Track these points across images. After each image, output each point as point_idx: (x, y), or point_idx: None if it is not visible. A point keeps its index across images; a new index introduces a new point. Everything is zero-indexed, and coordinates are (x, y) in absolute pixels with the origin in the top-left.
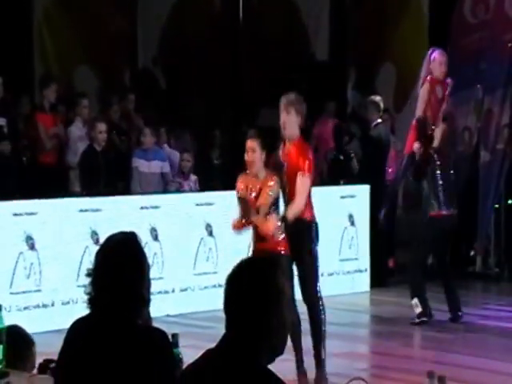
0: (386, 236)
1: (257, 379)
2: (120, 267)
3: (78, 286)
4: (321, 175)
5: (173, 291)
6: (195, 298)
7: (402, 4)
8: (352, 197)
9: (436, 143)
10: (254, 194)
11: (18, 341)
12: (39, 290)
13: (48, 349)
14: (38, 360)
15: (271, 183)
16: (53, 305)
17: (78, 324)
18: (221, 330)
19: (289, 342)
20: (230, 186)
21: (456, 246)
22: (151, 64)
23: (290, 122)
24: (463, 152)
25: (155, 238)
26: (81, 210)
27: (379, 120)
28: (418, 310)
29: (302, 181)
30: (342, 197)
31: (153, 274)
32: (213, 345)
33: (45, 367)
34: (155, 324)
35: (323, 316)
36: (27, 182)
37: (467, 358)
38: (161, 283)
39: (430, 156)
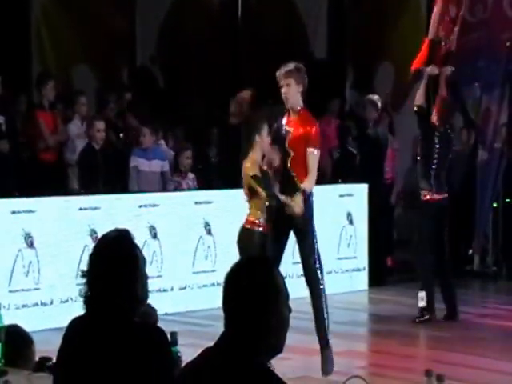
0: (384, 235)
1: (255, 377)
2: (113, 266)
3: (77, 285)
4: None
5: (171, 289)
6: (194, 297)
7: (400, 3)
8: (350, 195)
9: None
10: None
11: (17, 340)
12: (38, 288)
13: (47, 347)
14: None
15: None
16: (51, 303)
17: (77, 322)
18: (219, 328)
19: (287, 342)
20: (228, 184)
21: (454, 245)
22: (149, 62)
23: (291, 92)
24: (461, 151)
25: (154, 236)
26: (80, 209)
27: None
28: (422, 303)
29: (312, 158)
30: (341, 195)
31: (151, 272)
32: (211, 343)
33: (41, 365)
34: None
35: (323, 287)
36: (26, 180)
37: (465, 357)
38: (159, 281)
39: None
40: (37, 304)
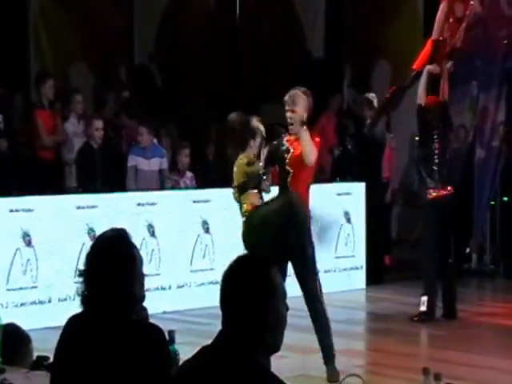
0: (381, 233)
1: (253, 376)
2: (111, 266)
3: (75, 283)
4: (323, 171)
5: (169, 288)
6: (192, 295)
7: (397, 2)
8: (348, 194)
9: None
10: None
11: (14, 338)
12: (36, 287)
13: (45, 345)
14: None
15: None
16: (49, 301)
17: (74, 320)
18: (217, 326)
19: (285, 340)
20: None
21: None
22: (147, 61)
23: (296, 119)
24: (459, 149)
25: (152, 234)
26: (78, 207)
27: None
28: (422, 308)
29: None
30: (338, 194)
31: (149, 270)
32: (209, 341)
33: (38, 364)
34: (152, 320)
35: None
36: (24, 179)
37: (463, 355)
38: (157, 280)
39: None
40: (35, 302)
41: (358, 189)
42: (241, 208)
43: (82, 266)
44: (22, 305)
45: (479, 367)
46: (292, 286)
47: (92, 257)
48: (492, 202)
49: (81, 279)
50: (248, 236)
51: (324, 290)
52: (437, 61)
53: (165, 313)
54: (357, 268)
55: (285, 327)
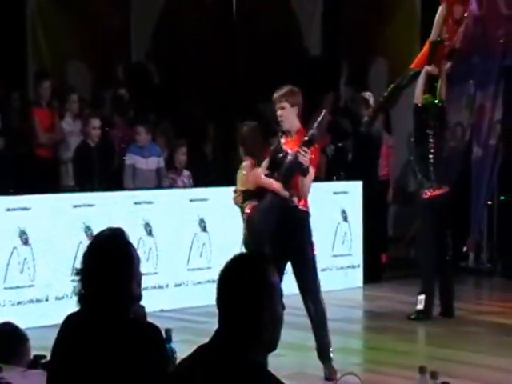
0: (378, 231)
1: (249, 374)
2: (108, 265)
3: (72, 281)
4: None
5: (167, 286)
6: (189, 294)
7: (395, 0)
8: (345, 193)
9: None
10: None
11: (11, 337)
12: (33, 285)
13: (42, 344)
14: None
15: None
16: (46, 300)
17: (71, 319)
18: (214, 325)
19: (282, 338)
20: (223, 181)
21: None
22: (145, 59)
23: (286, 115)
24: (455, 147)
25: (149, 233)
26: (75, 206)
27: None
28: (420, 307)
29: (307, 177)
30: (335, 193)
31: (147, 269)
32: (207, 340)
33: (35, 363)
34: (149, 319)
35: (324, 306)
36: (21, 177)
37: (460, 353)
38: (155, 278)
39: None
40: (32, 301)
41: (355, 187)
42: (242, 212)
43: (79, 265)
44: (19, 303)
45: (476, 365)
46: (288, 284)
47: (89, 256)
48: (489, 201)
49: (78, 278)
50: (249, 238)
51: (321, 289)
52: (435, 62)
53: (162, 311)
54: (354, 266)
55: (281, 326)
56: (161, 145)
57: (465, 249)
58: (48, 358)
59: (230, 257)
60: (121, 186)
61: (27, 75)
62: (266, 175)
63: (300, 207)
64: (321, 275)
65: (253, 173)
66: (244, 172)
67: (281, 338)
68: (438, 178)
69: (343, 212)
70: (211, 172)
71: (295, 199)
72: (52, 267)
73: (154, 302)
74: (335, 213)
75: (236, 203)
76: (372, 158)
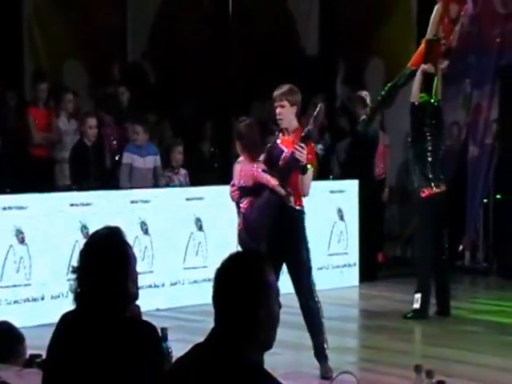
0: (375, 230)
1: (245, 373)
2: (104, 264)
3: (68, 280)
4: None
5: (163, 285)
6: (185, 292)
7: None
8: (341, 191)
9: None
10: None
11: (7, 336)
12: (29, 284)
13: (38, 343)
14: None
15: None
16: (42, 299)
17: (67, 317)
18: (210, 324)
19: (278, 337)
20: (220, 180)
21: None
22: (141, 59)
23: (285, 113)
24: (452, 146)
25: (145, 232)
26: (71, 205)
27: (366, 115)
28: (416, 306)
29: (306, 176)
30: (331, 191)
31: (143, 268)
32: (203, 339)
33: (31, 362)
34: (145, 318)
35: (320, 305)
36: (17, 177)
37: (456, 352)
38: (151, 277)
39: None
40: (28, 300)
41: (351, 186)
42: (238, 207)
43: (75, 264)
44: (15, 302)
45: (472, 364)
46: (284, 283)
47: (85, 254)
48: (485, 200)
49: (74, 276)
50: (245, 235)
51: (317, 288)
52: (431, 60)
53: (158, 310)
54: (350, 265)
55: (278, 325)
56: (155, 143)
57: (461, 248)
58: (43, 357)
59: (226, 255)
60: (116, 184)
61: (23, 74)
62: (263, 171)
63: (296, 206)
64: (317, 274)
65: (250, 168)
66: (238, 166)
67: (277, 337)
68: (435, 176)
69: (339, 211)
70: (208, 171)
71: (292, 198)
72: (48, 266)
73: (149, 300)
74: (331, 211)
75: (232, 199)
76: (368, 156)
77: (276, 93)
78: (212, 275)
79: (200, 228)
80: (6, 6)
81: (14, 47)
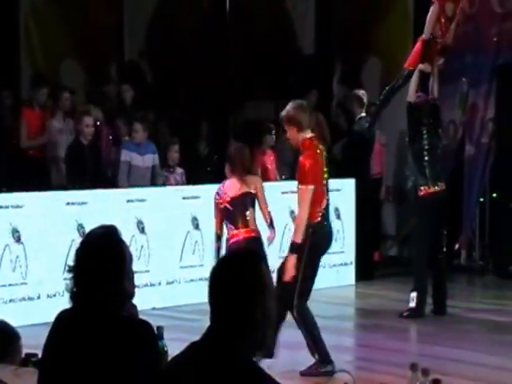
0: (371, 229)
1: (240, 371)
2: (100, 263)
3: (64, 279)
4: None
5: (159, 284)
6: (181, 291)
7: None
8: (337, 190)
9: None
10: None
11: (3, 335)
12: (25, 283)
13: (34, 342)
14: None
15: None
16: (38, 298)
17: (63, 316)
18: (206, 322)
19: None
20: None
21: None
22: (138, 57)
23: (291, 136)
24: (448, 145)
25: (142, 230)
26: (67, 203)
27: (363, 114)
28: (412, 305)
29: (302, 193)
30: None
31: (139, 266)
32: (198, 337)
33: (27, 361)
34: (141, 317)
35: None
36: (13, 175)
37: (452, 351)
38: (147, 276)
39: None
40: (24, 299)
41: (348, 185)
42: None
43: (71, 262)
44: (11, 301)
45: (468, 363)
46: None
47: (81, 253)
48: (481, 199)
49: (70, 275)
50: None
51: (313, 286)
52: (428, 60)
53: (154, 309)
54: (346, 264)
55: (273, 324)
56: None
57: (457, 246)
58: (39, 356)
59: (222, 254)
60: (113, 183)
61: (20, 74)
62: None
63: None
64: None
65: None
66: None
67: None
68: (433, 175)
69: (336, 210)
70: (204, 170)
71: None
72: (44, 265)
73: (146, 299)
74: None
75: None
76: (365, 155)
77: (281, 118)
78: (208, 274)
79: (196, 227)
80: (3, 4)
81: (11, 46)
